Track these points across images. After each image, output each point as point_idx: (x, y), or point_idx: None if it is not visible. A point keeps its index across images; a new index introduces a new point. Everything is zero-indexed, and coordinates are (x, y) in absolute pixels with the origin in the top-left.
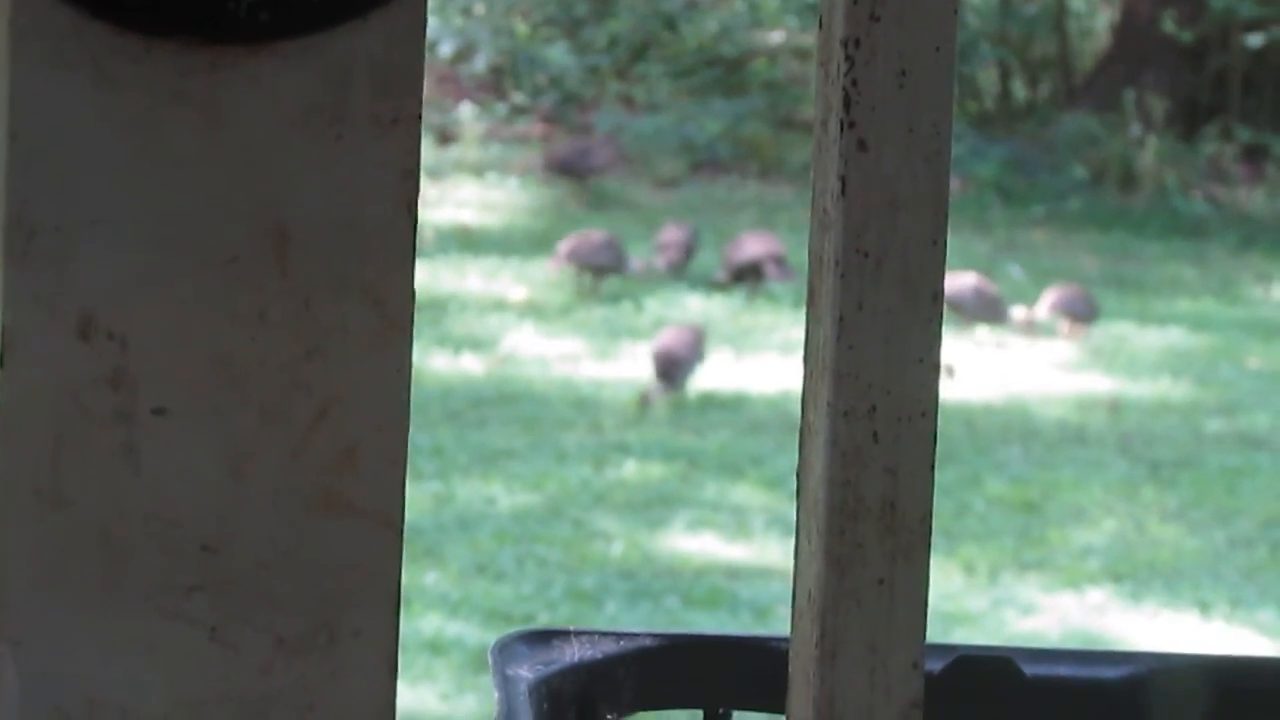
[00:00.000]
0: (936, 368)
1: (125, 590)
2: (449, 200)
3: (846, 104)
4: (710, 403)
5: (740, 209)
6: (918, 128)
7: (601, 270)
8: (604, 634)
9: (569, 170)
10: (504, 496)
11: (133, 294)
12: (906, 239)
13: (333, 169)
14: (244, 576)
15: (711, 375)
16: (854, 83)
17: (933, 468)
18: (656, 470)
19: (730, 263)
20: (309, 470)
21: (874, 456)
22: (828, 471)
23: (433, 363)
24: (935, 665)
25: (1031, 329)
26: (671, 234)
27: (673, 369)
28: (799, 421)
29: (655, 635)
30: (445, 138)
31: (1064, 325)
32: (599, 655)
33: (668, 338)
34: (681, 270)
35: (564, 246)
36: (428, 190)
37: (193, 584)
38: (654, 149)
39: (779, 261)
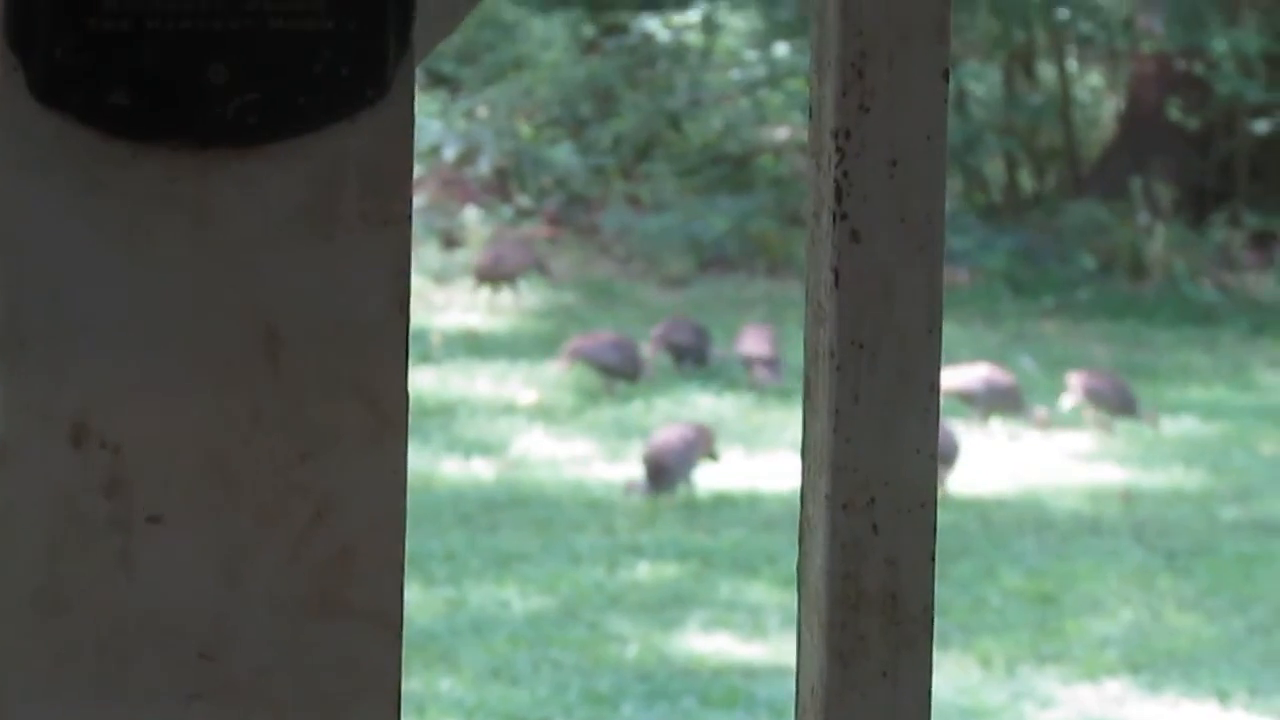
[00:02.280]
0: (934, 458)
1: (123, 698)
2: (456, 305)
3: (838, 195)
4: (723, 501)
5: (749, 306)
6: (910, 217)
7: (611, 370)
8: None
9: (491, 277)
10: (517, 599)
11: (125, 400)
12: (902, 329)
13: (324, 269)
14: (243, 682)
15: (724, 474)
16: (845, 174)
17: (933, 558)
18: (670, 570)
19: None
20: (306, 573)
21: (874, 548)
22: (828, 564)
23: (444, 467)
24: None
25: (1052, 422)
26: (755, 340)
27: (662, 472)
28: None
29: None
30: (450, 241)
31: (1092, 414)
32: None
33: (661, 438)
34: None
35: (570, 345)
36: (434, 295)
37: (192, 691)
38: (661, 247)
39: (770, 364)
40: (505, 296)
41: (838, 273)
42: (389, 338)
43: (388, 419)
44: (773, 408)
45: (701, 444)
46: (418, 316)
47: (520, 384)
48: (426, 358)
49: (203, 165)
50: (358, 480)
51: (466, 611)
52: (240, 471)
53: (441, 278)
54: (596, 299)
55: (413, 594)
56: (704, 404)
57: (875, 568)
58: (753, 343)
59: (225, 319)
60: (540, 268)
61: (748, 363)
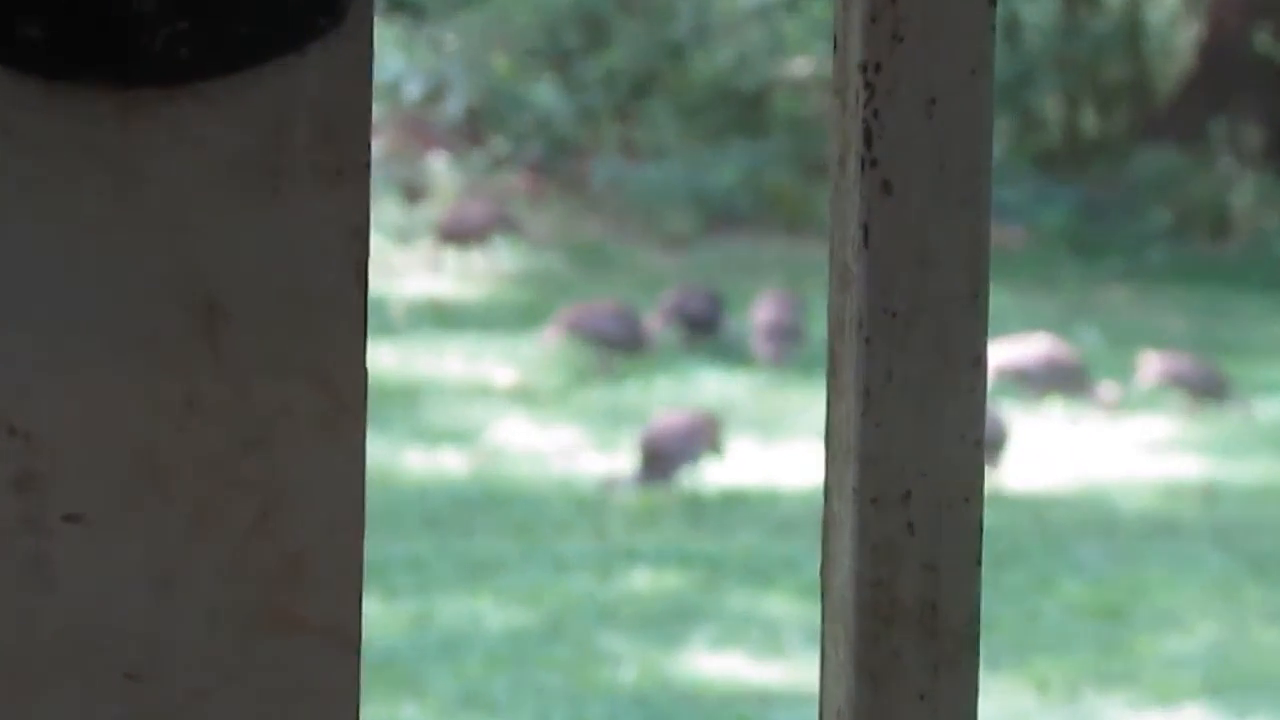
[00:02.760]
0: (980, 445)
1: None
2: (420, 269)
3: (867, 139)
4: (733, 499)
5: (764, 270)
6: (951, 165)
7: (611, 345)
8: None
9: (456, 236)
10: (494, 614)
11: (39, 383)
12: (942, 295)
13: (269, 230)
14: (176, 709)
15: (735, 466)
16: (875, 114)
17: (979, 562)
18: (672, 579)
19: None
20: (249, 582)
21: (910, 551)
22: (856, 569)
23: (407, 459)
24: None
25: (1120, 404)
26: (772, 310)
27: (660, 462)
28: None
29: None
30: (413, 195)
31: (1167, 396)
32: None
33: (660, 423)
34: (712, 343)
35: (565, 317)
36: (394, 258)
37: (116, 717)
38: (660, 202)
39: (788, 337)
40: (477, 260)
41: (867, 230)
42: (345, 309)
43: (344, 403)
44: (792, 388)
45: (705, 433)
46: (375, 283)
47: (496, 361)
48: (386, 331)
49: (127, 108)
50: (309, 475)
51: (434, 628)
52: (173, 465)
53: (403, 237)
54: (584, 263)
55: (372, 608)
56: (711, 385)
57: (911, 573)
58: (769, 312)
59: (155, 288)
60: (514, 226)
61: (763, 336)
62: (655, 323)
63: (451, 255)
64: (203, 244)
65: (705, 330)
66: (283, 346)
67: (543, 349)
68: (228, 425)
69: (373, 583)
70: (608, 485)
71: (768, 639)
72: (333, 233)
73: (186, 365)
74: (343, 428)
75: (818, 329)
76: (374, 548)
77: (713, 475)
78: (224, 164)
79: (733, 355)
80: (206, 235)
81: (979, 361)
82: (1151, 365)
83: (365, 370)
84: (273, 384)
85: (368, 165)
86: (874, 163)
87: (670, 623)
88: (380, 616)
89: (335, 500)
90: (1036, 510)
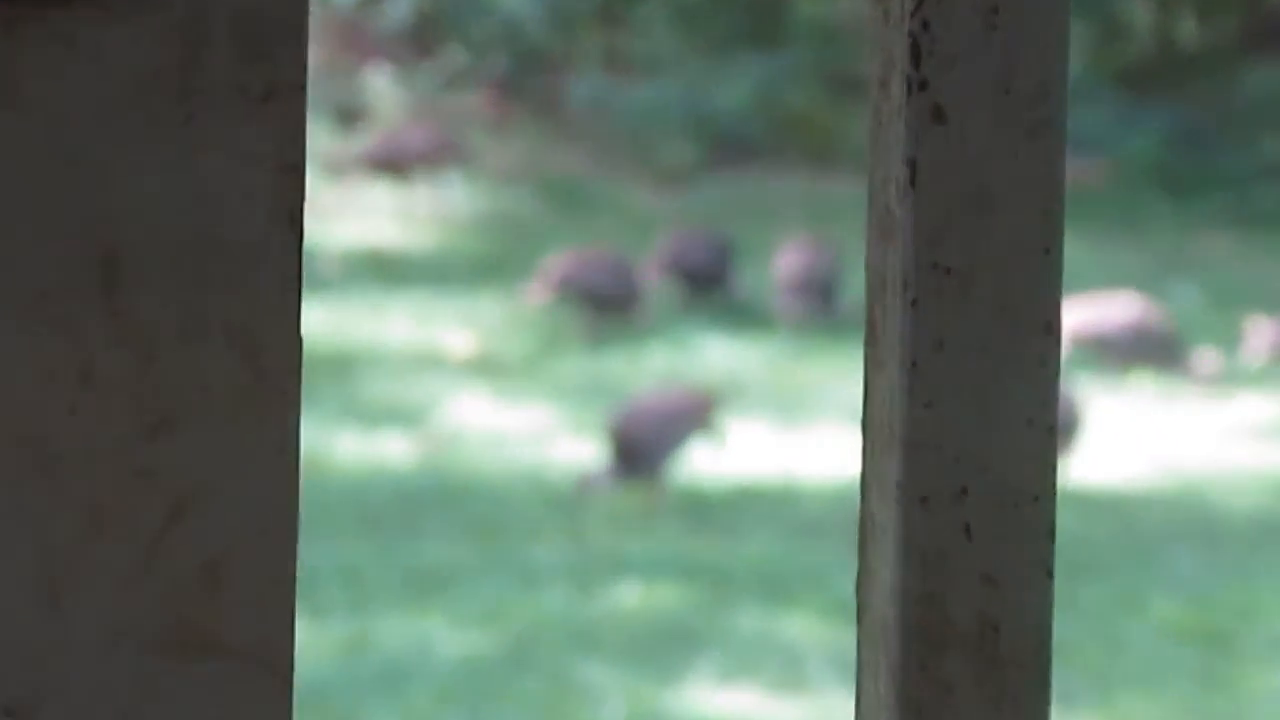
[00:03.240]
0: (1053, 431)
1: None
2: (357, 211)
3: (915, 56)
4: (745, 495)
5: (782, 214)
6: (1017, 86)
7: (603, 305)
8: None
9: (388, 167)
10: (446, 637)
11: None
12: (1006, 246)
13: (182, 165)
14: None
15: (745, 456)
16: (924, 25)
17: (1050, 574)
18: (668, 595)
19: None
20: (157, 595)
21: (966, 560)
22: (900, 582)
23: (340, 446)
24: None
25: (1223, 379)
26: (794, 261)
27: (636, 453)
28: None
29: None
30: (347, 118)
31: None
32: None
33: (636, 405)
34: (716, 301)
35: (556, 269)
36: (326, 197)
37: None
38: (654, 129)
39: (815, 295)
40: (427, 199)
41: (914, 166)
42: (274, 261)
43: (272, 377)
44: (819, 358)
45: (693, 415)
46: (305, 228)
47: (452, 324)
48: (315, 287)
49: (11, 21)
50: (230, 464)
51: (373, 655)
52: (65, 452)
53: (335, 171)
54: (559, 204)
55: (298, 629)
56: (717, 354)
57: (968, 588)
58: (791, 264)
59: (42, 236)
60: (466, 156)
61: (784, 293)
62: (648, 277)
63: (395, 193)
64: (101, 183)
65: (709, 286)
66: (198, 308)
67: (518, 310)
68: (131, 403)
69: (299, 598)
70: (587, 478)
71: (787, 669)
72: (260, 169)
73: (81, 330)
74: (271, 407)
75: (853, 286)
76: (301, 554)
77: (717, 466)
78: (128, 87)
79: (744, 317)
80: (105, 172)
81: (1051, 328)
82: (1260, 333)
83: (299, 337)
84: (186, 353)
85: (303, 87)
86: (923, 85)
87: (665, 649)
88: (308, 640)
89: (261, 495)
90: (1120, 510)
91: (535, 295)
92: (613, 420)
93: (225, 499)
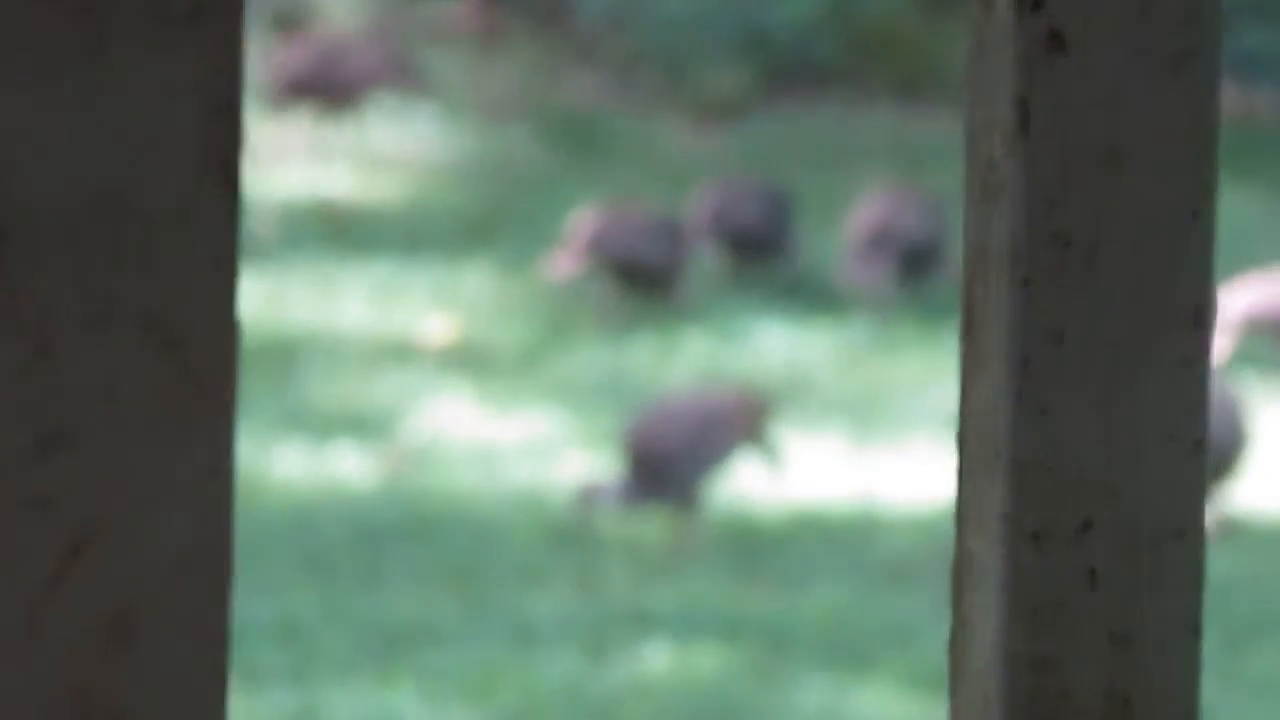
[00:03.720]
0: (1202, 447)
1: None
2: (298, 152)
3: None
4: (807, 531)
5: (856, 158)
6: (1156, 7)
7: (643, 278)
8: None
9: (309, 90)
10: (418, 714)
11: None
12: (1141, 211)
13: (88, 108)
14: None
15: (806, 478)
16: None
17: (1198, 632)
18: (707, 659)
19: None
20: (51, 657)
21: (1090, 614)
22: (1005, 643)
23: (280, 464)
24: None
25: None
26: (873, 221)
27: (659, 471)
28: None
29: None
30: (286, 28)
31: None
32: None
33: (660, 412)
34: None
35: (585, 227)
36: (262, 138)
37: None
38: (691, 50)
39: (911, 256)
40: (394, 139)
41: (1026, 108)
42: (204, 226)
43: (200, 377)
44: (906, 351)
45: (739, 420)
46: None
47: (426, 304)
48: (249, 255)
49: None
50: (145, 489)
51: None
52: None
53: (272, 102)
54: (567, 146)
55: (232, 700)
56: (771, 341)
57: (1092, 648)
58: (869, 226)
59: None
60: (425, 80)
61: (860, 259)
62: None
63: (352, 131)
64: None
65: (763, 253)
66: (108, 286)
67: (513, 286)
68: (18, 412)
69: (231, 660)
70: (591, 496)
71: None
72: (185, 108)
73: None
74: (198, 415)
75: (954, 254)
76: (233, 605)
77: (771, 490)
78: (15, 6)
79: (808, 295)
80: None
81: (1202, 316)
82: None
83: (235, 323)
84: (89, 347)
85: (239, 3)
86: (1037, 4)
87: None
88: (240, 716)
89: (185, 529)
90: None
91: (562, 267)
92: (631, 428)
93: (138, 533)
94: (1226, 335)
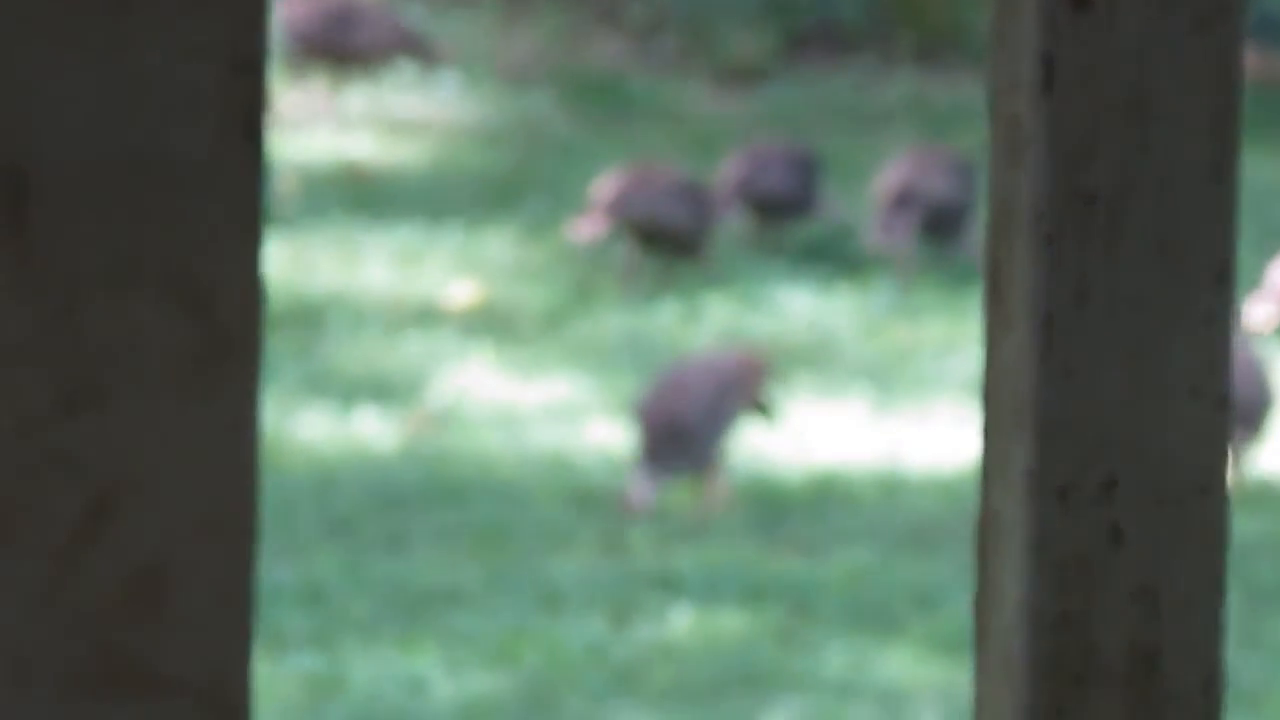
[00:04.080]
0: (1225, 405)
1: None
2: (323, 117)
3: None
4: (831, 494)
5: (881, 121)
6: None
7: (671, 241)
8: None
9: (325, 49)
10: (441, 678)
11: None
12: (1166, 169)
13: (109, 57)
14: None
15: (830, 441)
16: None
17: (1222, 588)
18: (731, 623)
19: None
20: (75, 616)
21: (1115, 571)
22: (1030, 600)
23: (304, 427)
24: None
25: None
26: (899, 184)
27: (674, 440)
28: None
29: None
30: None
31: None
32: None
33: (673, 378)
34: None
35: (609, 190)
36: (281, 100)
37: None
38: (714, 13)
39: (940, 219)
40: (417, 103)
41: (1050, 64)
42: (229, 186)
43: (225, 337)
44: (933, 313)
45: (747, 382)
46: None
47: (449, 268)
48: (273, 219)
49: None
50: (170, 449)
51: (348, 697)
52: None
53: (292, 62)
54: (589, 108)
55: (255, 662)
56: (797, 305)
57: (1116, 606)
58: (896, 188)
59: None
60: (423, 47)
61: (888, 223)
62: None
63: (374, 94)
64: (2, 86)
65: (788, 214)
66: (133, 244)
67: (538, 249)
68: (42, 370)
69: (256, 623)
70: (624, 470)
71: (887, 711)
72: (209, 65)
73: None
74: (223, 375)
75: (981, 217)
76: (257, 567)
77: (795, 453)
78: None
79: (834, 257)
80: (9, 73)
81: (1225, 274)
82: None
83: (260, 283)
84: (113, 306)
85: None
86: None
87: (728, 694)
88: (267, 678)
89: (210, 489)
90: None
91: (586, 230)
92: (643, 402)
93: (163, 493)
94: (1273, 304)
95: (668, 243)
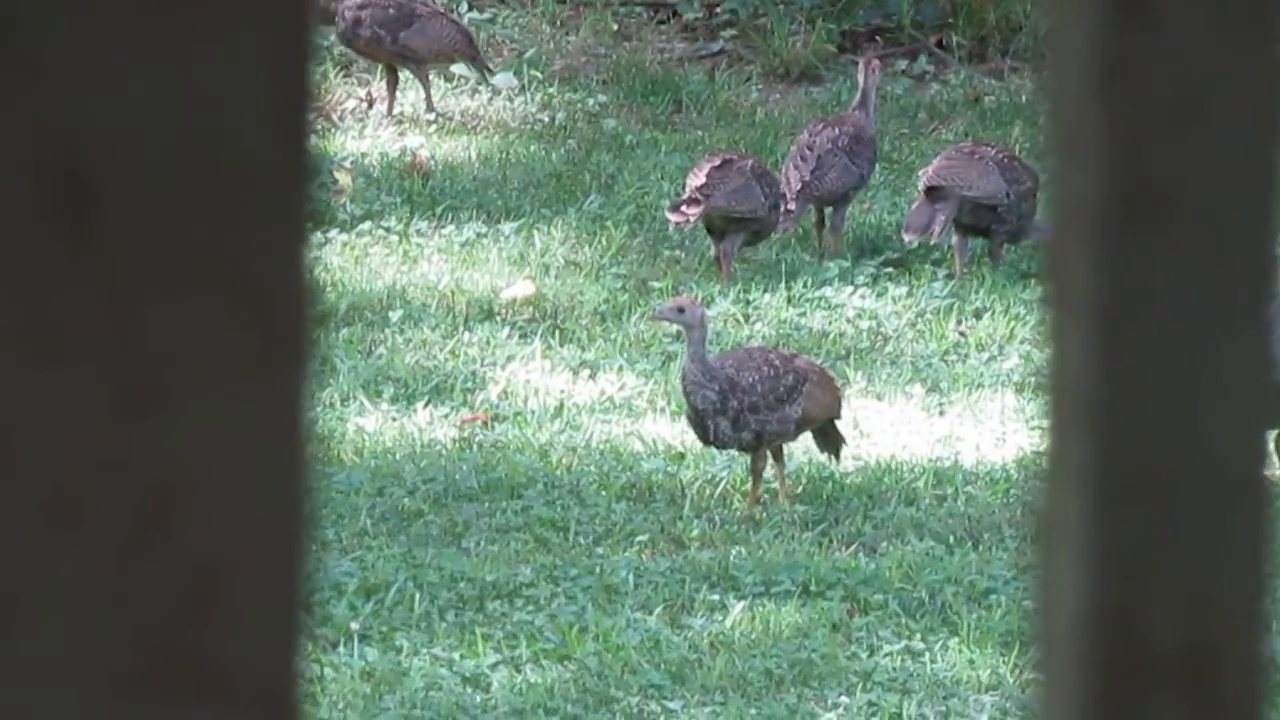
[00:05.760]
0: (1277, 403)
1: None
2: (383, 117)
3: None
4: (885, 487)
5: (935, 116)
6: None
7: (753, 224)
8: None
9: (383, 50)
10: (500, 674)
11: None
12: (1222, 166)
13: (162, 63)
14: None
15: (886, 434)
16: None
17: (1270, 585)
18: (788, 618)
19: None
20: (134, 615)
21: (1172, 567)
22: (1087, 592)
23: (363, 422)
24: None
25: None
26: (949, 175)
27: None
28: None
29: None
30: None
31: None
32: None
33: (724, 366)
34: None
35: (696, 178)
36: (337, 98)
37: None
38: (770, 11)
39: (991, 215)
40: (470, 98)
41: (1109, 67)
42: (277, 187)
43: (277, 333)
44: (990, 307)
45: (826, 392)
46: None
47: (506, 264)
48: (329, 219)
49: None
50: (225, 449)
51: (406, 691)
52: (17, 434)
53: (353, 66)
54: (643, 106)
55: (310, 660)
56: (852, 300)
57: (1172, 602)
58: (929, 180)
59: None
60: (476, 52)
61: (915, 217)
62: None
63: (429, 92)
64: (65, 90)
65: (842, 210)
66: (185, 245)
67: (594, 244)
68: (101, 369)
69: (310, 620)
70: (684, 462)
71: (949, 706)
72: (259, 71)
73: (37, 274)
74: (277, 375)
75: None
76: (313, 564)
77: (848, 450)
78: None
79: (885, 251)
80: (70, 78)
81: (1278, 273)
82: None
83: (310, 283)
84: (168, 304)
85: None
86: None
87: (785, 686)
88: (315, 672)
89: (265, 489)
90: None
91: (682, 216)
92: (686, 388)
93: (218, 493)
94: None
95: (746, 229)
